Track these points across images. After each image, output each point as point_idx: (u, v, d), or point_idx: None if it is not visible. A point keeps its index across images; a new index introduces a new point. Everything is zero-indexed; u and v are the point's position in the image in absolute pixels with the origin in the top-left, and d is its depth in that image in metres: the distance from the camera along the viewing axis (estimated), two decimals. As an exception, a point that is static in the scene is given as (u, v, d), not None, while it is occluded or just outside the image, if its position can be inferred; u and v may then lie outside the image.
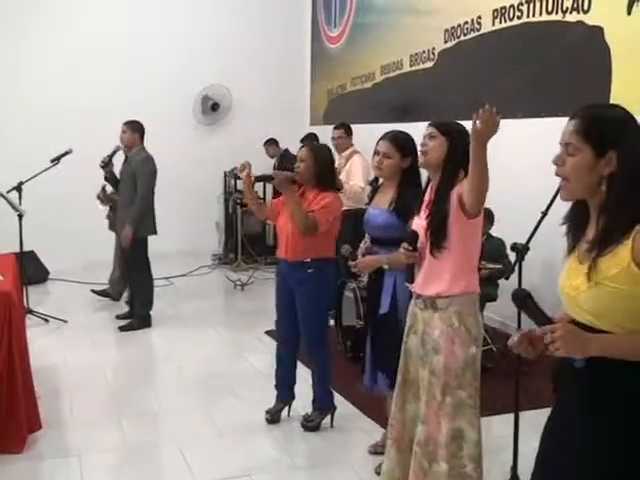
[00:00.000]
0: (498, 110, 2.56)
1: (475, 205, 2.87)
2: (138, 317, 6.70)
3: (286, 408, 4.60)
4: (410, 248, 3.11)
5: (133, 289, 6.91)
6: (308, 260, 4.21)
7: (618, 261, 1.87)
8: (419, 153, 3.21)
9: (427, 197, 3.16)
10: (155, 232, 6.66)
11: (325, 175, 4.25)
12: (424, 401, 3.07)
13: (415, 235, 3.13)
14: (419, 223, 3.16)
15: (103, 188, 7.05)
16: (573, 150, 1.97)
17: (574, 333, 1.87)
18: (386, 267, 3.65)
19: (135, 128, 6.60)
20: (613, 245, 1.89)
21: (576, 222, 2.08)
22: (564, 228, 2.13)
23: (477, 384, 3.07)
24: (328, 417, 4.46)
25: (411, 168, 3.64)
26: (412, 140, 3.70)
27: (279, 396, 4.59)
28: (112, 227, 7.30)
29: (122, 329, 6.58)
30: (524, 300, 2.00)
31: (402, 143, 3.67)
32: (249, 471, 3.88)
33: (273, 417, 4.53)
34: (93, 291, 7.63)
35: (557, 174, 2.02)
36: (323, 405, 4.46)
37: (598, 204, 1.97)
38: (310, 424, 4.43)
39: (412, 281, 3.20)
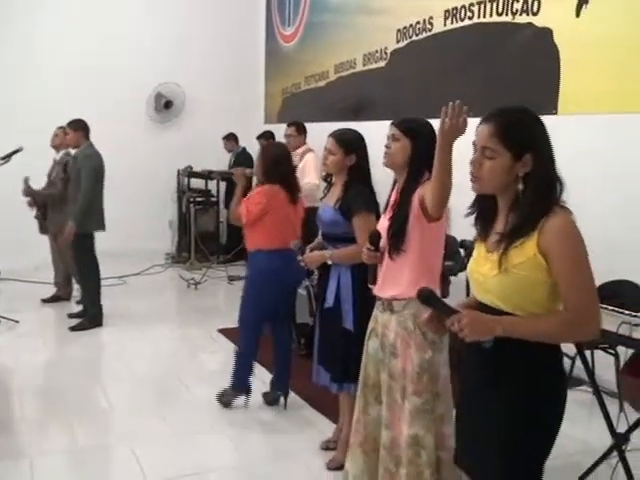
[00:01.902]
0: (466, 108, 2.50)
1: (437, 208, 2.80)
2: (89, 316, 6.63)
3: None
4: (372, 248, 3.05)
5: (82, 287, 6.81)
6: (252, 250, 4.52)
7: (525, 251, 2.05)
8: (383, 154, 3.10)
9: (393, 197, 3.10)
10: (103, 228, 6.61)
11: (271, 172, 4.42)
12: (386, 405, 3.02)
13: (377, 235, 3.06)
14: (383, 223, 3.10)
15: (25, 181, 7.05)
16: (491, 154, 2.10)
17: (478, 319, 2.06)
18: (330, 262, 3.68)
19: (77, 127, 6.58)
20: (523, 237, 2.06)
21: (484, 213, 2.24)
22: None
23: (437, 389, 2.95)
24: (272, 408, 4.51)
25: (357, 166, 3.63)
26: (359, 138, 3.69)
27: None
28: (43, 230, 7.28)
29: (73, 329, 6.49)
30: (427, 297, 2.16)
31: (346, 141, 3.65)
32: (201, 469, 3.88)
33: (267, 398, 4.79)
34: (43, 300, 7.48)
35: (472, 174, 2.14)
36: (235, 384, 4.65)
37: (509, 199, 2.14)
38: (222, 399, 4.69)
39: (374, 282, 3.14)
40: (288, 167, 4.59)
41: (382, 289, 3.07)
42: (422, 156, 2.93)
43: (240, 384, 4.66)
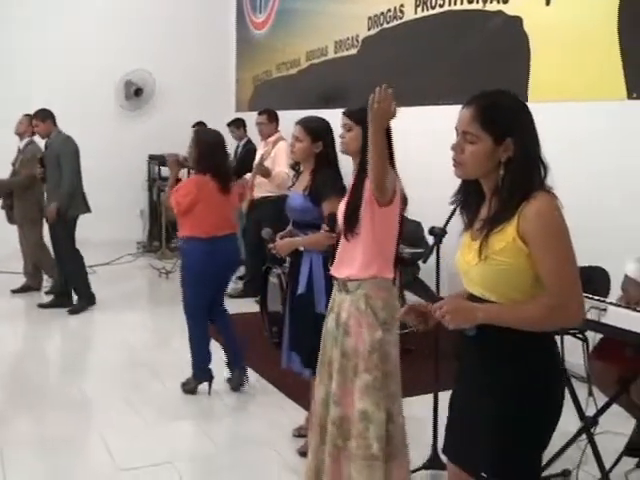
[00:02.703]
0: (394, 92, 2.59)
1: (377, 190, 2.89)
2: (83, 297, 6.73)
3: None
4: (327, 229, 3.20)
5: (67, 271, 6.79)
6: (184, 237, 4.63)
7: (505, 237, 2.01)
8: (340, 142, 3.24)
9: (352, 181, 3.19)
10: (89, 210, 6.70)
11: (203, 160, 4.50)
12: (337, 382, 3.11)
13: (334, 217, 3.19)
14: (341, 207, 3.20)
15: None
16: (472, 138, 2.06)
17: (460, 305, 2.04)
18: (302, 249, 3.72)
19: (45, 116, 6.58)
20: (503, 223, 2.01)
21: (468, 201, 2.20)
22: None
23: (388, 367, 3.06)
24: (243, 395, 4.60)
25: (325, 153, 3.67)
26: (326, 126, 3.72)
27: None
28: (10, 220, 7.23)
29: (71, 312, 6.60)
30: (412, 283, 2.16)
31: (313, 128, 3.69)
32: (173, 458, 3.86)
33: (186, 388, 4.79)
34: (13, 291, 7.41)
35: (455, 160, 2.11)
36: (197, 372, 4.72)
37: (493, 185, 2.09)
38: (185, 387, 4.75)
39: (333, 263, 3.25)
40: (222, 156, 4.64)
41: (338, 269, 3.17)
42: None
43: (200, 372, 4.72)
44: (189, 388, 4.74)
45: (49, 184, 6.61)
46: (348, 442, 3.06)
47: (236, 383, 4.81)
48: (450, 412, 2.32)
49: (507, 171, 2.03)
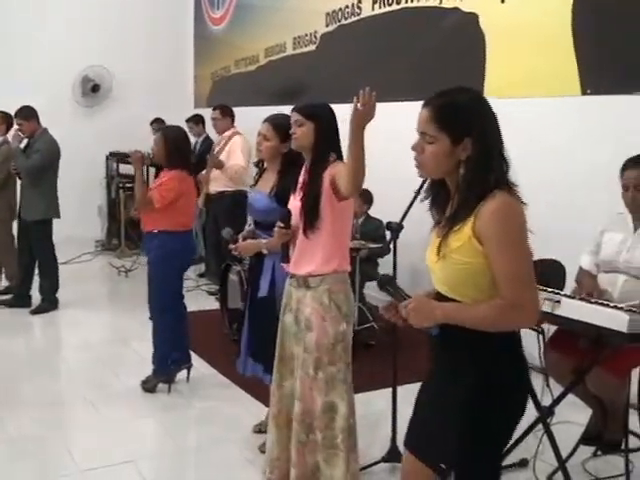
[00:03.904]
0: (377, 94, 2.62)
1: (352, 189, 2.90)
2: (48, 300, 6.67)
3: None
4: (282, 226, 3.19)
5: (45, 273, 6.74)
6: (155, 231, 4.56)
7: (461, 235, 2.01)
8: (292, 139, 3.23)
9: (302, 178, 3.21)
10: (58, 215, 6.67)
11: (173, 156, 4.52)
12: (298, 377, 3.15)
13: (288, 214, 3.20)
14: (294, 204, 3.21)
15: None
16: (431, 139, 2.06)
17: (422, 305, 2.05)
18: (265, 252, 3.69)
19: (28, 114, 6.52)
20: (461, 222, 2.02)
21: (436, 198, 2.20)
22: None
23: (348, 359, 3.16)
24: (203, 393, 4.54)
25: (292, 152, 3.56)
26: None
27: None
28: None
29: (34, 312, 6.56)
30: (387, 283, 2.18)
31: (282, 128, 3.61)
32: (134, 457, 3.83)
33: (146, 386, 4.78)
34: None
35: (416, 160, 2.12)
36: (158, 369, 4.72)
37: (455, 184, 2.09)
38: (146, 385, 4.72)
39: (287, 261, 3.27)
40: (189, 151, 4.78)
41: (297, 266, 3.19)
42: (326, 137, 3.09)
43: (160, 371, 4.74)
44: (149, 386, 4.72)
45: (24, 182, 6.55)
46: (311, 435, 3.12)
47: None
48: (415, 406, 2.33)
49: (466, 170, 2.03)
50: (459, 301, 2.06)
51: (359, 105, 2.61)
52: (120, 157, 9.77)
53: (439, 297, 2.13)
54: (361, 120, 2.66)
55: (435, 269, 2.11)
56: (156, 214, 4.52)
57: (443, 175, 2.11)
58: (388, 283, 2.21)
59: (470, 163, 2.02)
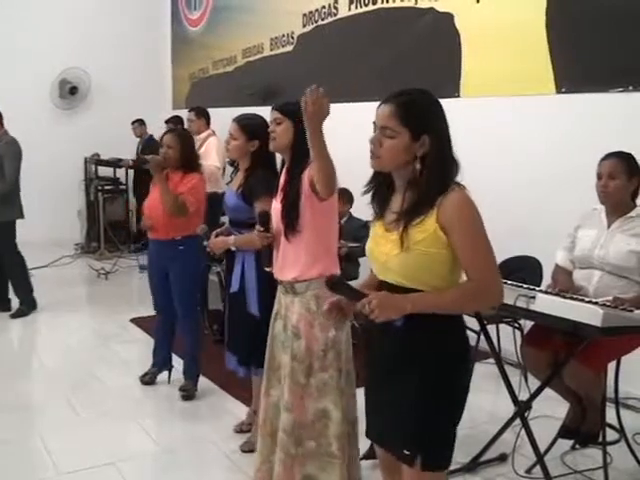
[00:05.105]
0: (325, 91, 2.58)
1: (324, 188, 2.84)
2: (26, 303, 6.64)
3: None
4: (261, 229, 3.09)
5: (10, 276, 6.69)
6: (179, 238, 4.45)
7: (425, 228, 2.13)
8: (270, 138, 3.15)
9: (282, 180, 3.12)
10: (22, 216, 6.57)
11: (189, 159, 4.49)
12: (287, 387, 3.03)
13: (266, 216, 3.11)
14: (275, 206, 3.12)
15: None
16: (392, 133, 2.17)
17: (387, 299, 2.11)
18: (233, 248, 3.71)
19: None
20: (422, 215, 2.13)
21: (378, 192, 2.31)
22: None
23: (342, 365, 3.04)
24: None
25: (260, 151, 3.58)
26: (263, 124, 3.57)
27: (154, 360, 4.89)
28: None
29: (13, 316, 6.51)
30: (336, 284, 2.23)
31: (249, 126, 3.64)
32: (115, 459, 3.82)
33: (145, 379, 4.83)
34: None
35: (373, 152, 2.21)
36: (194, 373, 4.71)
37: (406, 177, 2.20)
38: (188, 393, 4.65)
39: (269, 264, 3.17)
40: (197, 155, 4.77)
41: (282, 272, 3.09)
42: (305, 136, 2.91)
43: (195, 373, 4.75)
44: (190, 394, 4.67)
45: None
46: (300, 448, 3.01)
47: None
48: (368, 397, 2.44)
49: (424, 166, 2.15)
50: (419, 290, 2.16)
51: (308, 105, 2.55)
52: (98, 160, 9.76)
53: (386, 287, 2.23)
54: (315, 118, 2.60)
55: (392, 261, 2.19)
56: (181, 220, 4.37)
57: (396, 169, 2.21)
58: (339, 283, 2.25)
59: (429, 159, 2.14)
